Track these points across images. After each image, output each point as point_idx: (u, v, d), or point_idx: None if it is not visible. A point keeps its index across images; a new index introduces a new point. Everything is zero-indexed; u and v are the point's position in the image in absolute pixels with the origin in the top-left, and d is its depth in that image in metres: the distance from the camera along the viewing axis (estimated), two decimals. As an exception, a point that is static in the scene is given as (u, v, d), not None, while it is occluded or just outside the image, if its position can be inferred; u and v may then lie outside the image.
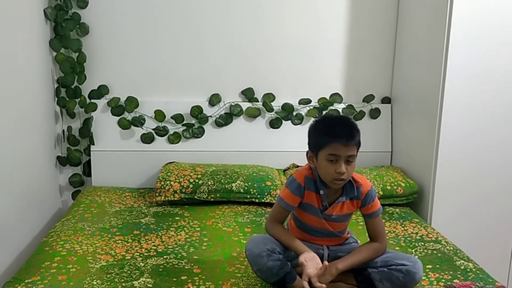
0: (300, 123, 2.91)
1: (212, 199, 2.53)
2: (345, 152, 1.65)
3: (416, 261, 1.71)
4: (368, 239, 1.81)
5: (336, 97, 2.96)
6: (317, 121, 1.77)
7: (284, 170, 2.80)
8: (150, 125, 2.83)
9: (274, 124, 2.91)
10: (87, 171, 2.86)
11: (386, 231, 2.25)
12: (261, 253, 1.66)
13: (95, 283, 1.70)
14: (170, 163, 2.77)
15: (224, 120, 2.88)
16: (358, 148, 1.70)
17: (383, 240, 1.77)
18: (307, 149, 1.76)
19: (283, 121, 2.91)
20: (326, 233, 1.80)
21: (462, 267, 1.91)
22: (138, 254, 1.95)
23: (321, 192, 1.74)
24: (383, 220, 2.37)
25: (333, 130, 1.67)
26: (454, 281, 1.80)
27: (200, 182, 2.52)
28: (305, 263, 1.61)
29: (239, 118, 2.90)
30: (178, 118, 2.84)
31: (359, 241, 1.93)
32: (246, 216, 2.41)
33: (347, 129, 1.67)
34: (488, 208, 2.55)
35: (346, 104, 2.96)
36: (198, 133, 2.87)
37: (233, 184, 2.53)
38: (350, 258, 1.71)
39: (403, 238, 2.20)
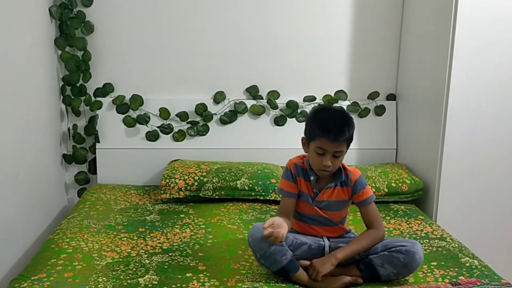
0: (304, 121, 2.91)
1: (217, 197, 2.53)
2: (332, 148, 1.72)
3: (415, 242, 1.75)
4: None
5: (340, 94, 2.95)
6: (315, 110, 1.85)
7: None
8: (155, 123, 2.84)
9: (279, 121, 2.91)
10: (93, 169, 2.87)
11: (391, 228, 2.26)
12: (263, 237, 1.66)
13: (100, 280, 1.70)
14: (175, 160, 2.78)
15: (229, 117, 2.88)
16: (348, 144, 1.76)
17: (379, 227, 1.80)
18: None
19: (288, 119, 2.91)
20: (322, 220, 1.83)
21: (467, 264, 1.90)
22: (144, 251, 1.96)
23: (311, 178, 1.81)
24: (388, 217, 2.39)
25: (325, 124, 1.73)
26: (460, 278, 1.80)
27: (205, 179, 2.53)
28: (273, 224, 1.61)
29: (243, 115, 2.90)
30: (182, 116, 2.85)
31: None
32: (251, 214, 2.41)
33: (338, 126, 1.72)
34: (493, 205, 2.55)
35: (351, 101, 2.96)
36: (203, 131, 2.87)
37: (238, 182, 2.53)
38: (349, 247, 1.75)
39: (408, 235, 2.20)
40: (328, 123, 1.73)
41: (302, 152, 1.90)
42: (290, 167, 1.85)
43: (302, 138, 1.85)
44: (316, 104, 2.92)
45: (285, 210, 1.83)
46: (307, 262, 1.75)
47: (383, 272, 1.72)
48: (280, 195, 1.89)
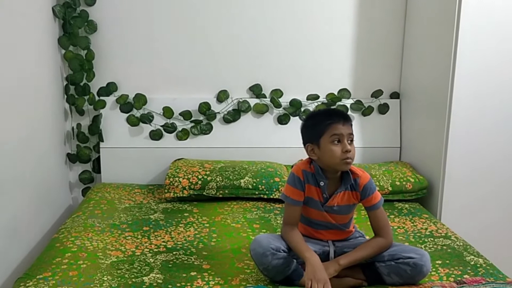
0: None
1: (220, 195, 2.53)
2: (346, 130, 1.71)
3: (423, 254, 1.71)
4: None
5: (344, 93, 2.95)
6: (306, 117, 1.83)
7: (292, 166, 2.79)
8: (159, 121, 2.84)
9: (282, 120, 2.91)
10: (97, 168, 2.88)
11: (396, 227, 2.26)
12: (265, 252, 1.66)
13: (105, 279, 1.71)
14: (179, 159, 2.78)
15: (232, 116, 2.88)
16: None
17: (387, 234, 1.76)
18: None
19: (291, 117, 2.91)
20: (329, 225, 1.81)
21: (472, 263, 1.90)
22: (148, 250, 1.96)
23: (322, 183, 1.76)
24: (393, 216, 2.39)
25: (329, 114, 1.76)
26: (464, 276, 1.79)
27: (209, 178, 2.53)
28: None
29: (247, 114, 2.90)
30: (186, 115, 2.85)
31: (366, 236, 1.92)
32: (255, 212, 2.41)
33: (341, 112, 1.78)
34: (498, 203, 2.54)
35: (355, 100, 2.95)
36: (206, 130, 2.87)
37: (242, 180, 2.53)
38: (353, 254, 1.72)
39: (412, 234, 2.20)
40: (331, 112, 1.78)
41: (304, 151, 1.87)
42: (299, 174, 1.78)
43: (307, 147, 1.78)
44: (319, 103, 2.92)
45: (293, 219, 1.79)
46: None
47: (389, 281, 1.71)
48: (285, 202, 1.82)
